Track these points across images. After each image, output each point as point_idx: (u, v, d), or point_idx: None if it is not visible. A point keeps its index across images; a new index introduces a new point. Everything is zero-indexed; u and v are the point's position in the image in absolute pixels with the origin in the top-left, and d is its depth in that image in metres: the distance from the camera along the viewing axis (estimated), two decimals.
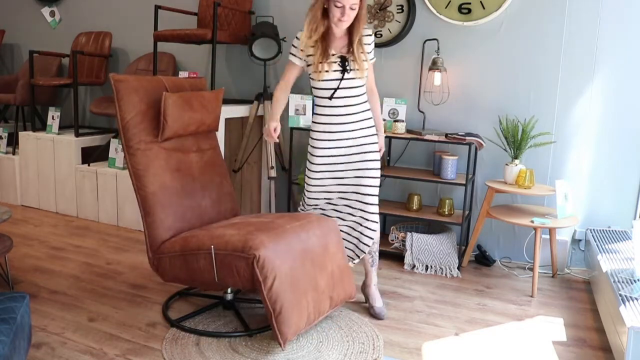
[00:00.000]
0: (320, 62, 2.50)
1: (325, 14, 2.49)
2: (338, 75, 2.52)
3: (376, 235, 2.62)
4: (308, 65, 2.58)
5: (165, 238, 2.48)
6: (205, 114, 2.69)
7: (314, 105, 2.71)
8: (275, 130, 2.58)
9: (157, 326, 2.49)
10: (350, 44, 2.53)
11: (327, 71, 2.51)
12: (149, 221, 2.47)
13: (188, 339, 2.37)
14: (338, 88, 2.53)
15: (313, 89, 2.60)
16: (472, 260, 3.48)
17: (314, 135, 2.65)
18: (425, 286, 3.07)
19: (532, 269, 3.18)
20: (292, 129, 3.63)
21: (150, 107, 2.52)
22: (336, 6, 2.42)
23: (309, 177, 2.70)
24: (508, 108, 3.38)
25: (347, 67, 2.51)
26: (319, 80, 2.54)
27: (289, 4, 3.92)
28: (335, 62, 2.52)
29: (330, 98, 2.55)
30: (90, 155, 4.24)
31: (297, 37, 2.58)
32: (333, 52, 2.53)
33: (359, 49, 2.52)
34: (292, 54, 2.61)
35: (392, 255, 3.46)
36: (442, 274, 3.24)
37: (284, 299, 2.17)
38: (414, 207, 3.46)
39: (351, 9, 2.43)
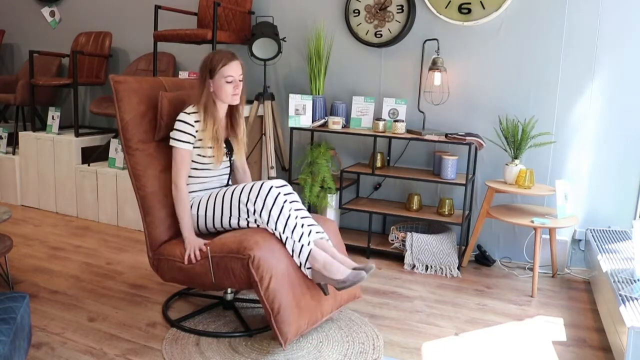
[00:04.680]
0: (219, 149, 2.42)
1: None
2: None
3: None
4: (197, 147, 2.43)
5: (165, 238, 2.49)
6: None
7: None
8: (200, 249, 2.31)
9: (157, 326, 2.49)
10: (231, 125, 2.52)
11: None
12: (149, 221, 2.47)
13: (188, 339, 2.37)
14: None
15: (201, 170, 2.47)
16: (472, 260, 3.48)
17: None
18: (425, 286, 3.07)
19: (532, 269, 3.19)
20: (292, 129, 3.63)
21: (150, 108, 2.52)
22: (227, 82, 2.36)
23: None
24: (508, 108, 3.38)
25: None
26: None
27: (289, 4, 3.92)
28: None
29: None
30: (90, 155, 4.24)
31: (187, 122, 2.38)
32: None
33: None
34: (184, 141, 2.38)
35: (392, 255, 3.46)
36: (442, 274, 3.24)
37: (282, 298, 2.17)
38: (414, 207, 3.46)
39: (240, 80, 2.41)
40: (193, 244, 2.33)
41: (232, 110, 2.50)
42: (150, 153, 2.50)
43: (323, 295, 2.34)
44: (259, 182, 2.34)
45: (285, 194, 2.34)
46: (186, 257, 2.32)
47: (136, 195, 2.49)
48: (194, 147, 2.40)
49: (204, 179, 2.48)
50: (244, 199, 2.32)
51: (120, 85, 2.45)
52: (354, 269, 2.24)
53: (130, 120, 2.46)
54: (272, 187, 2.30)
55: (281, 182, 2.38)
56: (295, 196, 2.41)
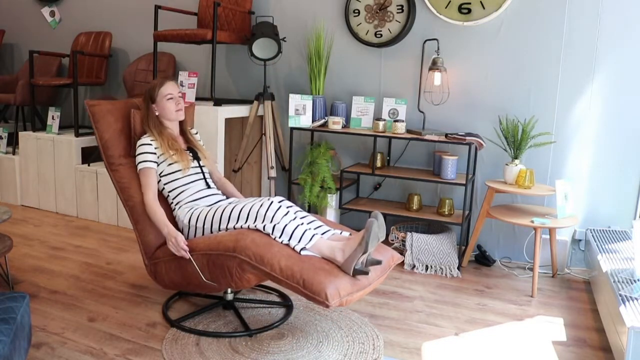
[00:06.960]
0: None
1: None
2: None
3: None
4: (162, 162, 2.56)
5: (159, 243, 2.52)
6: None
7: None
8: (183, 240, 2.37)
9: (157, 326, 2.49)
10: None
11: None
12: (140, 229, 2.52)
13: (188, 339, 2.37)
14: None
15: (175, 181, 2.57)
16: (472, 260, 3.48)
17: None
18: (425, 286, 3.07)
19: (532, 269, 3.19)
20: (292, 129, 3.63)
21: (126, 125, 2.65)
22: (168, 99, 2.57)
23: None
24: (508, 108, 3.38)
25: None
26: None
27: (289, 4, 3.92)
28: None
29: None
30: (90, 155, 4.24)
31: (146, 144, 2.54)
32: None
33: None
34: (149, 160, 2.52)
35: None
36: (442, 274, 3.24)
37: (300, 268, 2.09)
38: (414, 207, 3.46)
39: (180, 97, 2.63)
40: (173, 234, 2.36)
41: (182, 127, 2.70)
42: (133, 166, 2.59)
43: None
44: (259, 201, 2.35)
45: (287, 207, 2.38)
46: (169, 244, 2.36)
47: (125, 207, 2.57)
48: (161, 163, 2.54)
49: (184, 186, 2.56)
50: (248, 219, 2.34)
51: (94, 108, 2.59)
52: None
53: (109, 138, 2.58)
54: (272, 202, 2.33)
55: (280, 197, 2.42)
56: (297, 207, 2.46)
